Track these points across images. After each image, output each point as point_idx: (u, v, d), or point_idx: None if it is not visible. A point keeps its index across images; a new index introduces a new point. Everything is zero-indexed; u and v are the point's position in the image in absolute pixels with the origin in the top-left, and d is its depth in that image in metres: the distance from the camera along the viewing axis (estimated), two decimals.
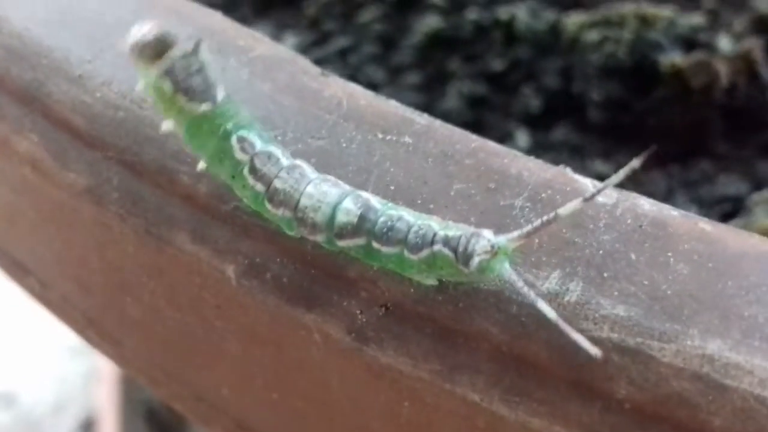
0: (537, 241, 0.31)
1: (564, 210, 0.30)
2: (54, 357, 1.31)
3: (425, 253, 0.31)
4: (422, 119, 0.35)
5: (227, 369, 0.40)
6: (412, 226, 0.32)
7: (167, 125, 0.35)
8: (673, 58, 0.55)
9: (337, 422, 0.37)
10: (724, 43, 0.57)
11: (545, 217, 0.30)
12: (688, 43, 0.57)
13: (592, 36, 0.58)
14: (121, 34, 0.37)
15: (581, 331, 0.29)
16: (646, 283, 0.30)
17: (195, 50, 0.33)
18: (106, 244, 0.39)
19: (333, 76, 0.37)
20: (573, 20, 0.59)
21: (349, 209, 0.32)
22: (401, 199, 0.33)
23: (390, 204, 0.33)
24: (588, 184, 0.32)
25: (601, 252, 0.31)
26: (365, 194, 0.33)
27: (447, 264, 0.31)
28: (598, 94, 0.56)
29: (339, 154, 0.35)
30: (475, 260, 0.30)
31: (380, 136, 0.35)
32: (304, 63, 0.38)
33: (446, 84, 0.59)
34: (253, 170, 0.34)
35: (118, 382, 1.07)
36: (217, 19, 0.40)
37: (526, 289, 0.29)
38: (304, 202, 0.33)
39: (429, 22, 0.61)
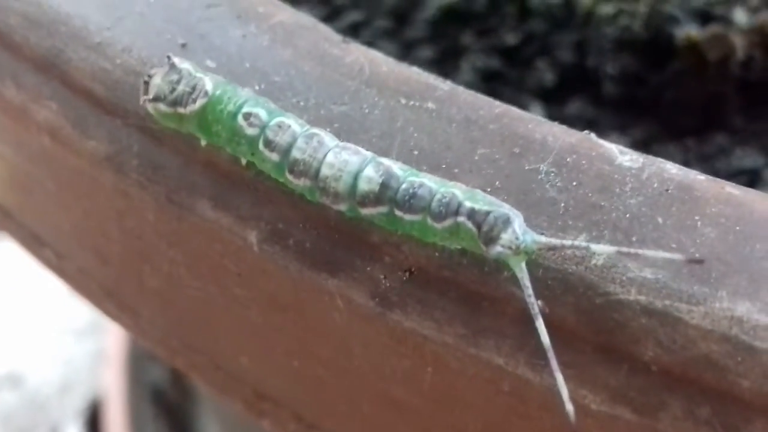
0: (563, 204, 0.31)
1: None
2: (60, 338, 1.31)
3: (449, 222, 0.31)
4: (445, 85, 0.35)
5: (247, 337, 0.40)
6: (435, 194, 0.32)
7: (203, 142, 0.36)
8: (689, 31, 0.55)
9: (359, 389, 0.37)
10: (740, 16, 0.56)
11: (578, 244, 0.30)
12: (704, 16, 0.57)
13: (607, 9, 0.57)
14: (140, 0, 0.37)
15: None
16: (673, 246, 0.30)
17: (171, 65, 0.36)
18: (125, 213, 0.39)
19: (354, 43, 0.37)
20: None
21: (370, 177, 0.32)
22: (425, 164, 0.33)
23: (412, 170, 0.33)
24: (613, 149, 0.32)
25: (627, 215, 0.31)
26: (386, 161, 0.33)
27: (469, 237, 0.31)
28: (613, 68, 0.56)
29: (362, 120, 0.34)
30: (497, 248, 0.30)
31: (403, 101, 0.35)
32: (325, 30, 0.38)
33: (460, 58, 0.59)
34: (267, 142, 0.34)
35: (125, 364, 1.07)
36: None
37: (533, 298, 0.30)
38: (324, 171, 0.33)
39: None
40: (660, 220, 0.30)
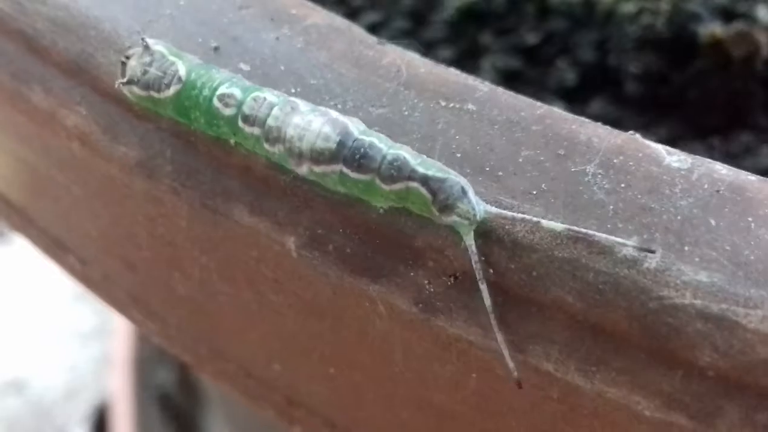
0: (612, 207, 0.31)
1: None
2: (64, 343, 1.30)
3: (399, 185, 0.32)
4: (484, 86, 0.35)
5: (281, 344, 0.40)
6: (385, 155, 0.32)
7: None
8: (713, 28, 0.54)
9: (398, 396, 0.37)
10: (764, 13, 0.56)
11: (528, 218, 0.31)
12: (727, 13, 0.56)
13: (629, 7, 0.57)
14: (170, 3, 0.37)
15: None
16: (727, 248, 0.29)
17: (144, 47, 0.36)
18: (156, 219, 0.38)
19: (390, 45, 0.36)
20: None
21: (328, 135, 0.33)
22: (469, 166, 0.33)
23: (367, 129, 0.33)
24: (660, 149, 0.32)
25: (679, 217, 0.30)
26: (343, 119, 0.33)
27: (421, 202, 0.32)
28: (636, 67, 0.56)
29: (402, 123, 0.34)
30: (452, 217, 0.31)
31: (443, 103, 0.34)
32: (359, 31, 0.37)
33: (480, 59, 0.58)
34: (245, 118, 0.34)
35: (131, 368, 1.06)
36: None
37: (479, 264, 0.31)
38: (290, 132, 0.33)
39: None
40: (713, 221, 0.30)
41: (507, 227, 0.31)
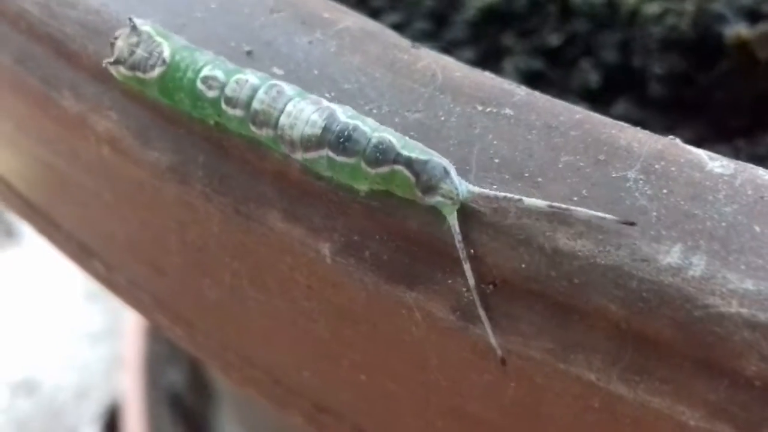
0: (654, 213, 0.30)
1: None
2: (75, 343, 1.30)
3: (384, 169, 0.32)
4: (521, 90, 0.34)
5: (311, 351, 0.39)
6: (370, 139, 0.32)
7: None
8: (738, 29, 0.54)
9: (432, 404, 0.36)
10: None
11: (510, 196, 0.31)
12: (753, 14, 0.56)
13: (653, 8, 0.56)
14: (201, 6, 0.36)
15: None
16: None
17: (132, 27, 0.36)
18: (187, 224, 0.38)
19: (424, 49, 0.36)
20: None
21: (314, 121, 0.33)
22: (507, 172, 0.32)
23: (355, 114, 0.33)
24: (702, 154, 0.31)
25: (723, 224, 0.30)
26: (332, 106, 0.33)
27: (405, 185, 0.32)
28: (660, 68, 0.55)
29: (438, 128, 0.34)
30: (436, 198, 0.31)
31: (479, 108, 0.34)
32: (393, 35, 0.37)
33: (502, 60, 0.58)
34: (228, 100, 0.35)
35: (142, 368, 1.06)
36: None
37: (462, 244, 0.31)
38: (282, 120, 0.34)
39: None
40: (757, 228, 0.29)
41: (548, 234, 0.31)
